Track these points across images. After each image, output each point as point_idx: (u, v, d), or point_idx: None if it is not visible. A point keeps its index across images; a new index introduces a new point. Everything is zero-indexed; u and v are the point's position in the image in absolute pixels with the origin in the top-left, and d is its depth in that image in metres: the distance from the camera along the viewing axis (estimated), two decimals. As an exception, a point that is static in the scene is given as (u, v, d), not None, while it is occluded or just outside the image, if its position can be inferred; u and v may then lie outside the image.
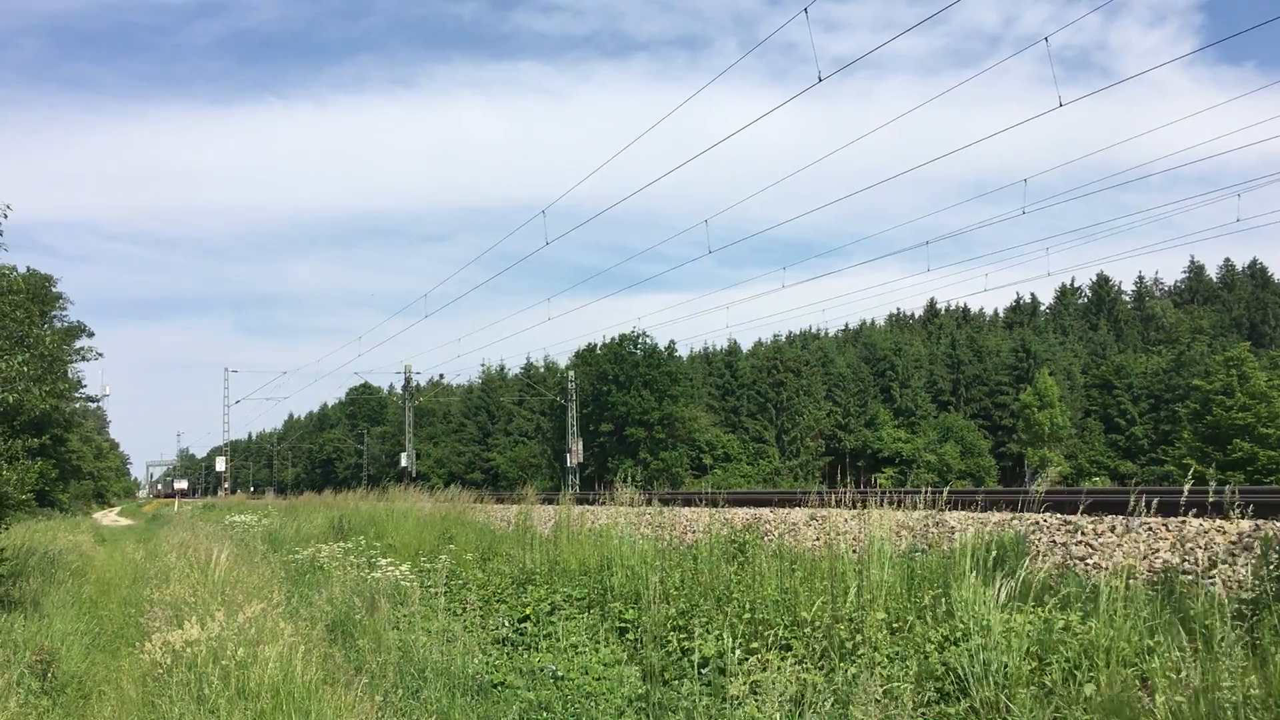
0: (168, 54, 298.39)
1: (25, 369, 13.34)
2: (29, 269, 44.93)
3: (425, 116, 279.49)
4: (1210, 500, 9.27)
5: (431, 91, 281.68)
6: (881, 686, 6.43)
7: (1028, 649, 6.76)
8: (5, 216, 13.90)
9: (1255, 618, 6.35)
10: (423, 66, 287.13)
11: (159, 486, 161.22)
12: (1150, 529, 9.76)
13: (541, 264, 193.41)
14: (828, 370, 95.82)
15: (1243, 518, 8.94)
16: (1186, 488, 8.97)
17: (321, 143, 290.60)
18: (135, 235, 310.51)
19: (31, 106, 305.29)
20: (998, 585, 7.73)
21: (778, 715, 6.36)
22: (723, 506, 16.25)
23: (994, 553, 8.61)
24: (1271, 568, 6.94)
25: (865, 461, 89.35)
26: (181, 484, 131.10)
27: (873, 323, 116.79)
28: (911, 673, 6.82)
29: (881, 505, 10.73)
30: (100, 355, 53.97)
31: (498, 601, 10.96)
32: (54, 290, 48.95)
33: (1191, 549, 9.14)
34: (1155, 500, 9.83)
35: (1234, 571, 8.39)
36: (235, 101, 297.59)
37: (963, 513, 12.06)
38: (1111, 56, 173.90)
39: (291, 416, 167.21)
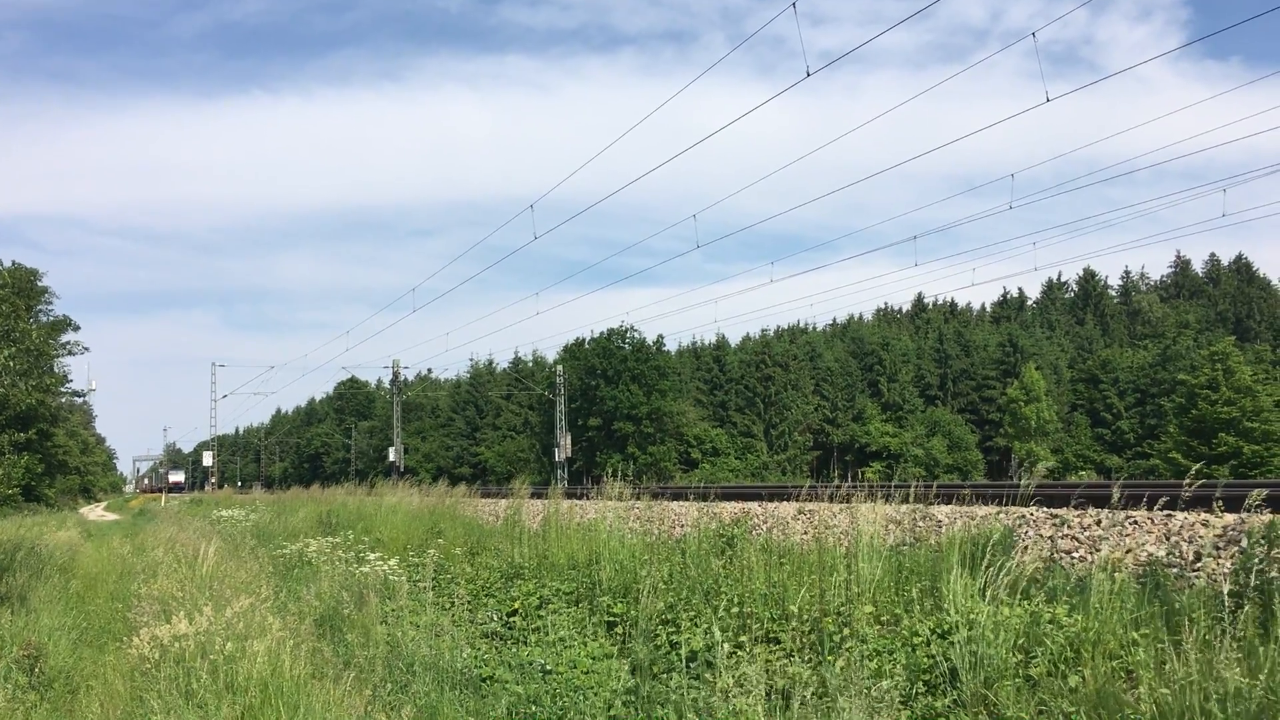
0: (153, 47, 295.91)
1: (11, 363, 13.29)
2: (14, 263, 44.80)
3: (412, 110, 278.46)
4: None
5: (418, 85, 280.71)
6: (868, 679, 6.46)
7: (1015, 642, 6.80)
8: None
9: (1238, 610, 6.41)
10: (409, 60, 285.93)
11: (145, 480, 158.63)
12: (1136, 522, 9.82)
13: (529, 258, 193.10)
14: (815, 365, 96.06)
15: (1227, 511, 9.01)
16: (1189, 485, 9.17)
17: (309, 137, 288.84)
18: (122, 229, 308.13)
19: (16, 100, 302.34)
20: (985, 578, 7.78)
21: (760, 708, 6.38)
22: (711, 501, 16.27)
23: (981, 546, 8.65)
24: (1257, 561, 7.00)
25: (853, 456, 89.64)
26: (177, 475, 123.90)
27: (860, 317, 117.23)
28: (899, 665, 6.86)
29: (869, 499, 10.77)
30: (87, 349, 53.84)
31: (486, 596, 10.97)
32: (40, 284, 48.84)
33: (1177, 542, 9.20)
34: (1146, 495, 9.93)
35: (1218, 565, 8.46)
36: (222, 95, 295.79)
37: (950, 506, 12.10)
38: (1098, 51, 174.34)
39: (279, 411, 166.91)
